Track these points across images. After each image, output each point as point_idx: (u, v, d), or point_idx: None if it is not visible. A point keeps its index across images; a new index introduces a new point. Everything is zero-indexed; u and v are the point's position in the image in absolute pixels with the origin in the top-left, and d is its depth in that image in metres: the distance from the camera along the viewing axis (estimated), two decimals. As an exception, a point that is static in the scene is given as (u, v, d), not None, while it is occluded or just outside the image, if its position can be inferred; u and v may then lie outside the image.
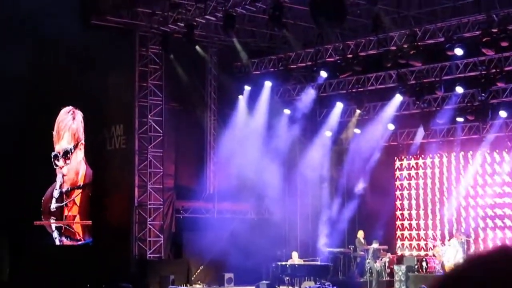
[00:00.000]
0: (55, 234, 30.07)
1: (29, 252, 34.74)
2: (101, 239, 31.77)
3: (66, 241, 29.45)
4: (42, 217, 30.30)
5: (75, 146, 30.24)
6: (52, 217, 30.13)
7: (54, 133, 31.30)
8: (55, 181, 30.88)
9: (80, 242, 29.42)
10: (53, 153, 30.99)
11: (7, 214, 32.27)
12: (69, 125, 30.85)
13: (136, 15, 29.57)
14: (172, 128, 31.48)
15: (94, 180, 32.08)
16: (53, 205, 29.87)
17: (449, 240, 29.22)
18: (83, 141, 30.59)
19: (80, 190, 29.86)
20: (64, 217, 30.14)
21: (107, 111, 31.98)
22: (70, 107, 30.95)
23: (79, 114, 30.91)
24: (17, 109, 30.13)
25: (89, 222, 29.23)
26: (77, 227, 29.56)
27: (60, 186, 30.34)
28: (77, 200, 29.76)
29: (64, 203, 29.90)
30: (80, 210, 29.86)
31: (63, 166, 30.23)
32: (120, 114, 31.61)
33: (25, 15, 29.76)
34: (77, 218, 29.73)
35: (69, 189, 30.11)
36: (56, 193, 30.10)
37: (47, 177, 30.75)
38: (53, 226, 29.75)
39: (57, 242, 30.77)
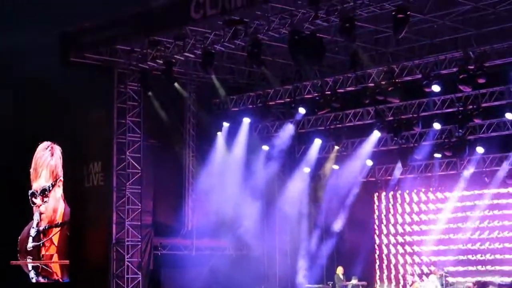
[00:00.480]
0: (32, 274, 29.56)
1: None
2: (79, 277, 31.51)
3: (43, 281, 28.87)
4: (18, 256, 29.70)
5: (54, 184, 30.02)
6: (29, 257, 29.58)
7: (32, 170, 30.91)
8: (32, 219, 30.27)
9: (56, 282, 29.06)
10: (30, 191, 30.59)
11: None
12: (47, 161, 30.60)
13: (115, 52, 29.56)
14: (150, 165, 31.36)
15: (72, 217, 31.88)
16: (30, 244, 29.39)
17: (427, 276, 29.24)
18: (61, 178, 30.31)
19: (58, 229, 29.54)
20: (41, 257, 29.71)
21: (86, 148, 31.87)
22: (48, 143, 30.78)
23: (57, 150, 30.71)
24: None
25: (67, 261, 28.93)
26: (55, 267, 29.22)
27: (37, 225, 29.88)
28: (55, 239, 29.43)
29: (41, 242, 29.55)
30: (58, 249, 29.54)
31: (40, 204, 29.94)
32: (98, 151, 31.49)
33: (3, 53, 29.75)
34: (55, 257, 29.39)
35: (46, 227, 29.75)
36: (33, 232, 29.70)
37: (24, 216, 30.21)
38: (30, 266, 29.26)
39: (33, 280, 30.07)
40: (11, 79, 32.00)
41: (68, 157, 31.94)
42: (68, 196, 31.55)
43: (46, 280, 28.26)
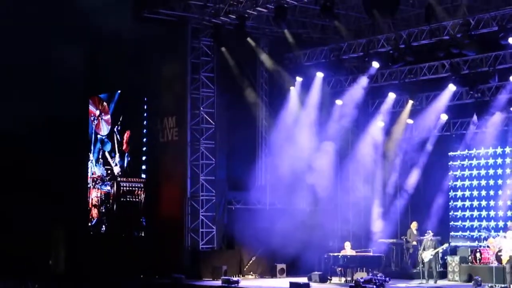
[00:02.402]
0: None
1: (84, 242, 35.33)
2: (154, 230, 32.06)
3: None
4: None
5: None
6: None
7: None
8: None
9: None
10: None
11: (63, 208, 33.28)
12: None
13: (188, 7, 29.70)
14: (224, 120, 31.57)
15: (148, 173, 32.44)
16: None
17: (505, 232, 28.87)
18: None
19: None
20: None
21: (160, 103, 32.21)
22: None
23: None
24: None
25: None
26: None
27: (106, 171, 34.03)
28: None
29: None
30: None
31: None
32: (172, 106, 31.81)
33: (79, 10, 30.18)
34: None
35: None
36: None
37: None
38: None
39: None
40: (87, 35, 32.54)
41: (145, 110, 32.47)
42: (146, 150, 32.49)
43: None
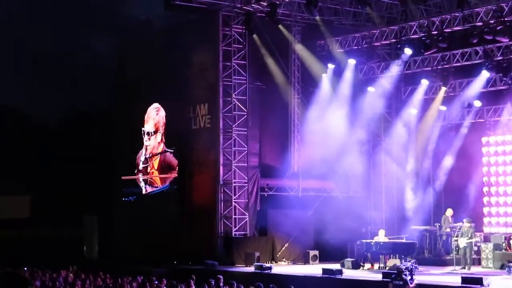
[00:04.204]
0: (142, 184, 35.49)
1: (117, 229, 35.67)
2: (188, 217, 32.24)
3: (149, 189, 35.19)
4: (135, 172, 35.75)
5: (155, 131, 34.79)
6: (140, 173, 35.57)
7: (146, 117, 35.27)
8: (141, 149, 35.56)
9: (158, 189, 34.59)
10: (143, 129, 35.18)
11: (97, 192, 34.17)
12: (153, 116, 34.90)
13: (220, -5, 29.77)
14: (256, 107, 31.65)
15: (180, 160, 32.65)
16: (141, 165, 35.61)
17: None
18: (161, 130, 34.42)
19: (157, 156, 34.81)
20: (148, 173, 35.38)
21: (192, 91, 32.35)
22: (157, 105, 34.63)
23: (162, 111, 34.42)
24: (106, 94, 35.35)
25: (164, 175, 34.44)
26: (156, 179, 34.97)
27: (145, 153, 35.44)
28: (155, 163, 34.94)
29: (147, 164, 35.33)
30: (158, 168, 34.88)
31: (147, 140, 35.30)
32: (204, 94, 31.94)
33: (109, 1, 30.42)
34: (156, 173, 34.96)
35: (150, 155, 35.28)
36: (142, 158, 35.53)
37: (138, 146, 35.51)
38: (141, 179, 35.64)
39: (143, 190, 35.34)
40: (118, 25, 32.76)
41: (174, 100, 32.65)
42: (175, 139, 32.68)
43: (151, 187, 35.13)
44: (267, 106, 31.82)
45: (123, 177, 35.94)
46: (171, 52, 32.85)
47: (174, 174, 33.49)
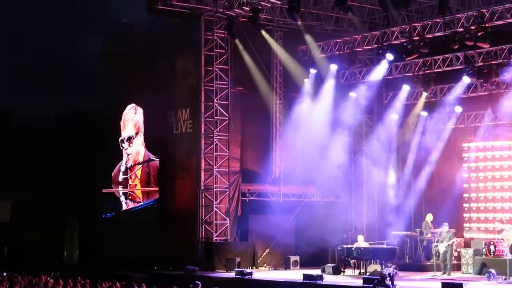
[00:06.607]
0: (122, 198, 34.64)
1: (98, 234, 35.54)
2: (168, 222, 32.15)
3: (130, 204, 34.32)
4: (112, 186, 35.04)
5: (136, 133, 34.00)
6: (120, 186, 34.83)
7: (121, 123, 34.87)
8: (122, 159, 34.90)
9: (140, 205, 33.81)
10: (120, 138, 34.59)
11: (79, 199, 35.56)
12: (131, 117, 34.44)
13: (202, -1, 29.74)
14: (237, 112, 31.62)
15: (161, 165, 32.57)
16: (121, 177, 34.71)
17: (517, 224, 28.82)
18: (142, 130, 33.86)
19: (140, 166, 34.12)
20: (128, 186, 34.66)
21: (174, 96, 32.30)
22: (133, 105, 34.30)
23: (139, 110, 34.11)
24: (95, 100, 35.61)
25: (147, 188, 33.66)
26: (138, 193, 34.21)
27: (126, 163, 34.66)
28: (138, 173, 34.16)
29: (128, 175, 34.51)
30: (140, 181, 34.12)
31: (127, 148, 34.55)
32: (186, 99, 31.89)
33: (92, 4, 30.42)
34: (138, 186, 34.13)
35: (132, 164, 34.51)
36: (123, 168, 34.68)
37: (117, 157, 35.10)
38: (121, 192, 34.79)
39: (124, 206, 34.67)
40: (101, 28, 32.70)
41: (156, 106, 32.58)
42: (157, 144, 32.31)
43: (132, 202, 34.22)
44: (248, 111, 31.80)
45: (104, 190, 35.48)
46: (153, 56, 32.78)
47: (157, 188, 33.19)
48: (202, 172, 30.89)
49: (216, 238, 30.71)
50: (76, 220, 36.48)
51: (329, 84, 32.27)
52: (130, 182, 34.50)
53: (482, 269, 27.64)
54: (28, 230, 37.61)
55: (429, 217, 30.51)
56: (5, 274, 24.64)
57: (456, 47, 27.94)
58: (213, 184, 30.92)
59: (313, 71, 32.29)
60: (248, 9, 29.16)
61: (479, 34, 26.42)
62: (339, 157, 32.70)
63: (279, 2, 28.71)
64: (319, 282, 25.62)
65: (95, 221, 35.86)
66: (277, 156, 32.47)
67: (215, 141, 30.99)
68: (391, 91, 33.39)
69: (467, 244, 30.25)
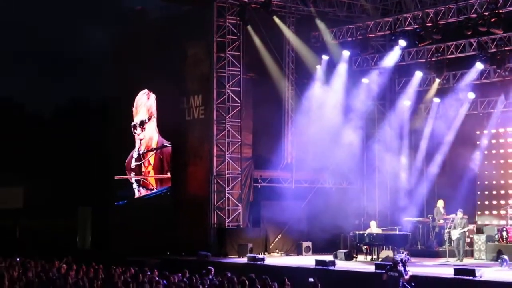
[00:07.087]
0: (135, 185, 34.57)
1: (111, 220, 35.68)
2: (181, 207, 32.24)
3: (143, 191, 34.21)
4: (126, 172, 35.04)
5: (149, 118, 33.96)
6: (133, 173, 34.79)
7: (134, 109, 34.99)
8: (134, 146, 34.96)
9: (153, 192, 33.62)
10: (132, 124, 34.74)
11: (92, 185, 35.26)
12: (144, 102, 34.50)
13: (214, -15, 29.71)
14: (250, 98, 31.61)
15: (174, 151, 32.64)
16: (133, 164, 34.62)
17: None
18: (155, 116, 33.93)
19: (153, 152, 33.87)
20: (141, 173, 34.59)
21: (186, 82, 32.33)
22: (146, 90, 34.43)
23: (152, 95, 34.25)
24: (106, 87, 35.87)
25: (161, 176, 33.50)
26: (151, 180, 34.08)
27: (138, 149, 34.61)
28: (151, 160, 34.00)
29: (141, 162, 34.43)
30: (154, 167, 33.99)
31: (140, 133, 34.49)
32: (198, 85, 31.91)
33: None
34: (151, 173, 33.98)
35: (144, 151, 34.45)
36: (135, 154, 34.63)
37: (130, 144, 35.14)
38: (133, 179, 34.70)
39: (136, 193, 34.64)
40: (112, 13, 32.71)
41: (168, 91, 32.62)
42: (169, 130, 32.34)
43: (145, 190, 34.12)
44: (261, 98, 31.77)
45: (116, 177, 35.59)
46: (166, 43, 32.80)
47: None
48: (214, 158, 30.92)
49: (228, 224, 30.77)
50: (89, 207, 36.58)
51: (342, 70, 32.23)
52: (143, 168, 34.56)
53: (498, 256, 27.54)
54: (40, 217, 37.81)
55: (441, 203, 30.47)
56: (18, 259, 24.79)
57: (469, 33, 27.87)
58: (225, 170, 30.96)
59: (325, 57, 32.25)
60: (260, -5, 29.13)
61: (493, 20, 26.32)
62: (351, 144, 32.68)
63: (291, -12, 28.69)
64: (331, 268, 25.64)
65: (107, 208, 35.99)
66: (289, 142, 32.47)
67: (227, 127, 31.01)
68: (404, 77, 33.32)
69: (479, 230, 30.20)
